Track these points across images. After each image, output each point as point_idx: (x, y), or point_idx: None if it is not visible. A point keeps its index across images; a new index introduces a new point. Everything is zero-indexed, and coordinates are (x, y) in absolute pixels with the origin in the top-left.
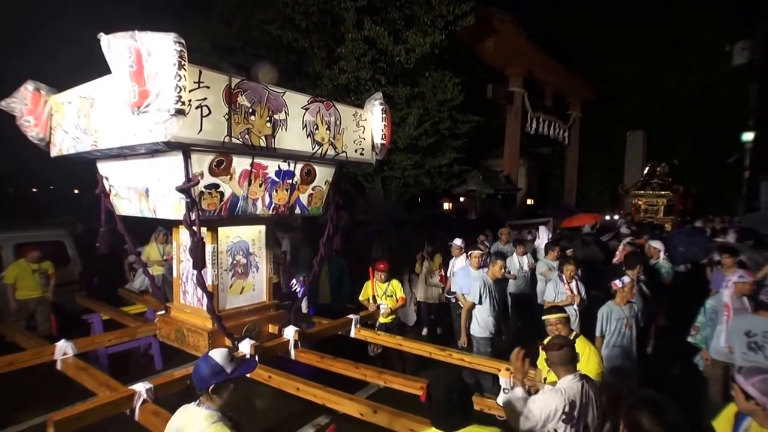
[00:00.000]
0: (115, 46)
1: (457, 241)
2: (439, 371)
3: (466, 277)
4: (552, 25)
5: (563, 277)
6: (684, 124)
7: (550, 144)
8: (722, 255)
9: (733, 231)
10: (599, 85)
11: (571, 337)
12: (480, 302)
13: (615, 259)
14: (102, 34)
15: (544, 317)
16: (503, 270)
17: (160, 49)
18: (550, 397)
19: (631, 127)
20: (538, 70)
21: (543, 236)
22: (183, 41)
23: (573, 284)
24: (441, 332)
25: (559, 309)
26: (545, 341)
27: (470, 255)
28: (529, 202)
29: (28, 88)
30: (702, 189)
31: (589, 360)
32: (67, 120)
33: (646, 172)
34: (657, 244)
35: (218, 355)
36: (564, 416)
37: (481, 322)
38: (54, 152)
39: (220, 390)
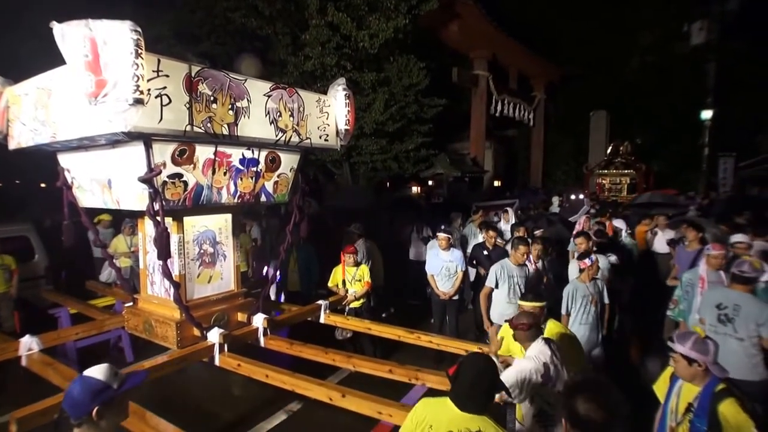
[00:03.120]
0: (69, 35)
1: (442, 234)
2: (475, 354)
3: (434, 257)
4: (515, 8)
5: (530, 257)
6: (645, 104)
7: (516, 126)
8: (686, 230)
9: (693, 208)
10: (563, 66)
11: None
12: (496, 287)
13: (575, 232)
14: (54, 23)
15: (519, 302)
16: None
17: (116, 37)
18: (524, 364)
19: (595, 108)
20: (503, 53)
21: (510, 216)
22: (139, 29)
23: (540, 264)
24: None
25: (536, 295)
26: (512, 318)
27: (438, 237)
28: (496, 183)
29: None
30: (663, 167)
31: (570, 349)
32: (24, 112)
33: (609, 151)
34: (618, 223)
35: (98, 372)
36: (541, 378)
37: (499, 308)
38: (12, 145)
39: (106, 411)
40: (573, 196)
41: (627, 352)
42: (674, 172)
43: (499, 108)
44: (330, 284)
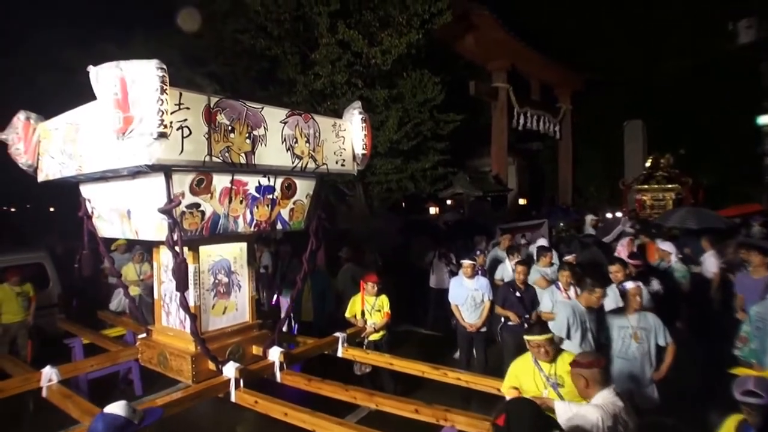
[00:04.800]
0: (102, 76)
1: (467, 261)
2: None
3: (459, 286)
4: (532, 14)
5: (560, 284)
6: (687, 110)
7: (540, 139)
8: (749, 254)
9: (756, 224)
10: (588, 73)
11: (558, 355)
12: (568, 336)
13: (616, 254)
14: (91, 66)
15: (525, 337)
16: (601, 299)
17: (144, 75)
18: (589, 412)
19: (628, 117)
20: (522, 63)
21: (541, 241)
22: (164, 66)
23: (571, 292)
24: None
25: (542, 327)
26: (575, 358)
27: (462, 264)
28: (521, 202)
29: (20, 117)
30: (713, 180)
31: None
32: (53, 146)
33: (648, 164)
34: (666, 246)
35: (118, 408)
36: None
37: None
38: (41, 177)
39: None
40: (609, 215)
41: (683, 394)
42: (727, 186)
43: (521, 121)
44: (347, 315)
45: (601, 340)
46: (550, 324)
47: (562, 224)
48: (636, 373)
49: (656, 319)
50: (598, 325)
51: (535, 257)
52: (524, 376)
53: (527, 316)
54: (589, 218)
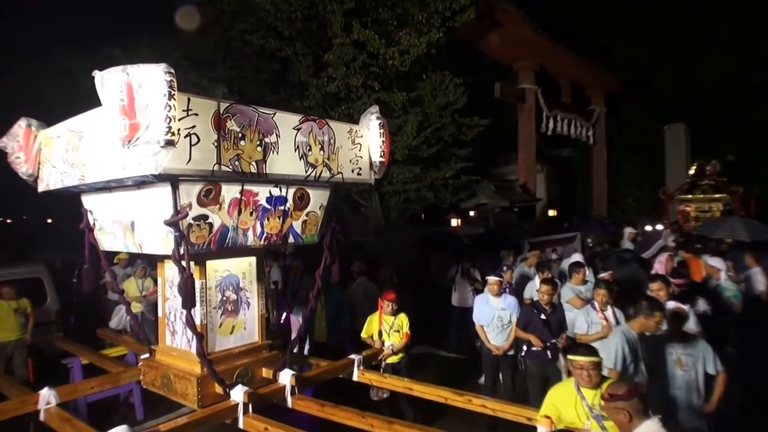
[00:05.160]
0: (108, 82)
1: (493, 278)
2: None
3: (484, 305)
4: (562, 10)
5: (596, 304)
6: (736, 112)
7: (571, 145)
8: None
9: None
10: (623, 73)
11: (603, 382)
12: (624, 368)
13: (653, 272)
14: (96, 71)
15: (569, 356)
16: (660, 323)
17: (151, 80)
18: None
19: (669, 120)
20: (551, 63)
21: (575, 256)
22: (172, 71)
23: (608, 312)
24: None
25: (589, 349)
26: (608, 390)
27: (488, 282)
28: (551, 213)
29: (21, 125)
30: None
31: None
32: (55, 154)
33: (692, 172)
34: (715, 262)
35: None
36: None
37: None
38: (41, 187)
39: None
40: (649, 227)
41: (736, 427)
42: None
43: (551, 125)
44: (363, 335)
45: (617, 367)
46: (485, 322)
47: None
48: (682, 404)
49: (704, 344)
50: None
51: (567, 274)
52: (564, 405)
53: (553, 341)
54: (628, 231)
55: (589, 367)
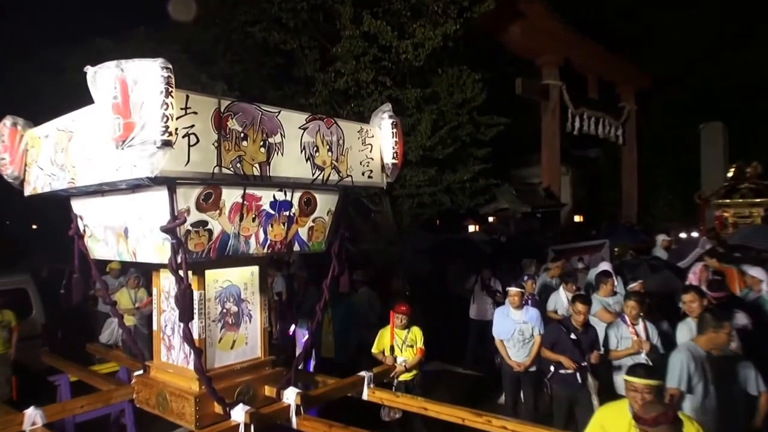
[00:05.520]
0: (100, 78)
1: (514, 289)
2: None
3: (504, 318)
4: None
5: (626, 317)
6: None
7: (599, 145)
8: None
9: None
10: (656, 67)
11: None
12: (689, 390)
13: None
14: (88, 67)
15: (625, 377)
16: (731, 337)
17: (147, 76)
18: None
19: (705, 119)
20: (577, 56)
21: (602, 265)
22: (170, 66)
23: (640, 326)
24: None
25: (649, 371)
26: (638, 410)
27: (508, 293)
28: (577, 219)
29: (6, 123)
30: None
31: None
32: (42, 155)
33: (730, 174)
34: (756, 272)
35: None
36: None
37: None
38: (28, 191)
39: None
40: (683, 234)
41: None
42: None
43: (576, 124)
44: (374, 351)
45: (681, 387)
46: (505, 337)
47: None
48: (720, 428)
49: (745, 362)
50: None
51: (594, 285)
52: (615, 428)
53: (584, 363)
54: (660, 239)
55: (644, 390)
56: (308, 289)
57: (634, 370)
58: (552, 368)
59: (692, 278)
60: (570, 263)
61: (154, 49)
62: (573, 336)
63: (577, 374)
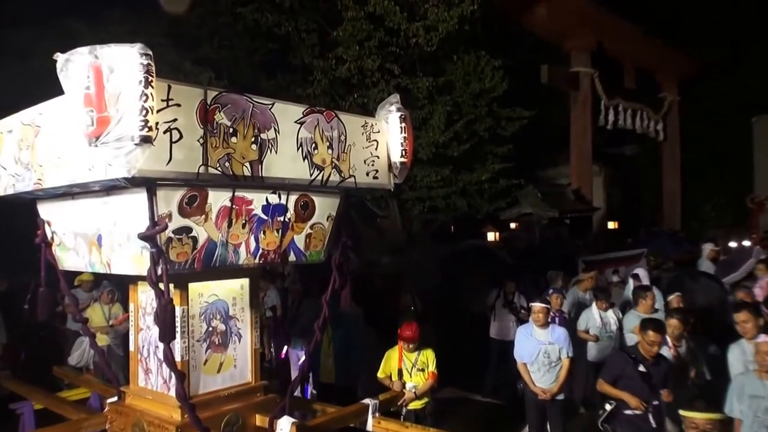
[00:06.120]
0: (72, 66)
1: (538, 304)
2: None
3: (526, 338)
4: None
5: (668, 338)
6: None
7: (636, 141)
8: None
9: None
10: (702, 53)
11: None
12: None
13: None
14: (58, 54)
15: (683, 412)
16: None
17: (124, 64)
18: None
19: (758, 111)
20: (612, 41)
21: (643, 277)
22: (150, 52)
23: (683, 348)
24: None
25: (709, 402)
26: None
27: (532, 309)
28: (611, 225)
29: None
30: None
31: None
32: (5, 153)
33: None
34: None
35: None
36: None
37: None
38: None
39: None
40: (733, 243)
41: None
42: None
43: (610, 117)
44: (380, 375)
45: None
46: (527, 359)
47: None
48: None
49: None
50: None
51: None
52: None
53: (656, 402)
54: (707, 248)
55: (706, 425)
56: (302, 302)
57: (691, 403)
58: (608, 406)
59: (759, 293)
60: (604, 276)
61: (133, 33)
62: (642, 368)
63: (650, 416)
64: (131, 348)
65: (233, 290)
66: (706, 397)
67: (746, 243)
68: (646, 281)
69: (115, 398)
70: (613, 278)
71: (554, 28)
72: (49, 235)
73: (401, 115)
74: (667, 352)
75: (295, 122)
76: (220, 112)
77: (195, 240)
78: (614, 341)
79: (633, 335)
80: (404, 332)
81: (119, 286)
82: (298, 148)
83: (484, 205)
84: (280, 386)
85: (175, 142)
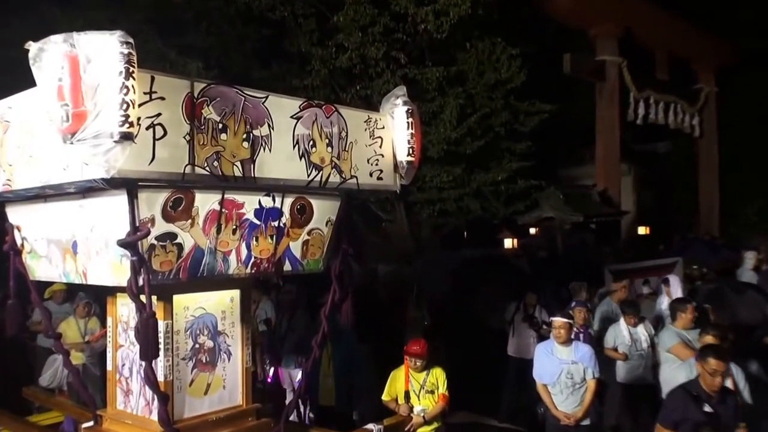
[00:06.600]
0: (45, 56)
1: (559, 319)
2: None
3: (546, 356)
4: None
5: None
6: None
7: (670, 137)
8: None
9: None
10: (742, 39)
11: None
12: None
13: None
14: (30, 43)
15: None
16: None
17: (103, 53)
18: None
19: None
20: (642, 27)
21: (675, 289)
22: (131, 41)
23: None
24: None
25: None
26: None
27: (552, 324)
28: (641, 231)
29: None
30: None
31: None
32: None
33: None
34: None
35: None
36: None
37: None
38: None
39: None
40: None
41: None
42: None
43: (640, 111)
44: (385, 398)
45: None
46: (548, 381)
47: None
48: None
49: None
50: None
51: (666, 314)
52: None
53: None
54: (749, 256)
55: None
56: (296, 314)
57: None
58: None
59: None
60: (633, 288)
61: (113, 20)
62: (707, 408)
63: None
64: (109, 367)
65: (222, 303)
66: (748, 423)
67: None
68: (677, 290)
69: (91, 423)
70: (644, 290)
71: (578, 12)
72: (18, 242)
73: (408, 109)
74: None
75: (291, 117)
76: (208, 106)
77: (180, 247)
78: (645, 360)
79: (669, 355)
80: (411, 348)
81: (96, 299)
82: (294, 146)
83: (501, 208)
84: (274, 409)
85: (159, 139)
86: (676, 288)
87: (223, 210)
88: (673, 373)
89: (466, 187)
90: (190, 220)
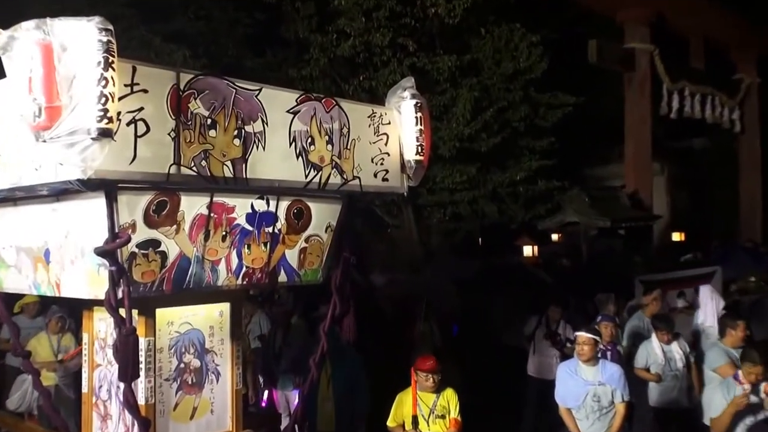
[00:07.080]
0: (16, 44)
1: (584, 334)
2: None
3: (570, 377)
4: None
5: (740, 375)
6: None
7: (707, 133)
8: None
9: None
10: None
11: None
12: None
13: None
14: (0, 29)
15: None
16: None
17: (79, 41)
18: None
19: None
20: (675, 10)
21: (706, 304)
22: (111, 27)
23: (761, 388)
24: None
25: None
26: None
27: (576, 340)
28: (675, 237)
29: None
30: None
31: None
32: None
33: None
34: None
35: None
36: None
37: None
38: None
39: None
40: None
41: None
42: None
43: (674, 104)
44: (390, 423)
45: None
46: (572, 404)
47: (751, 278)
48: None
49: None
50: None
51: (719, 331)
52: None
53: None
54: None
55: None
56: (288, 330)
57: None
58: None
59: None
60: (666, 300)
61: (91, 5)
62: None
63: None
64: (84, 389)
65: (210, 318)
66: None
67: None
68: (707, 303)
69: None
70: (678, 303)
71: None
72: None
73: (417, 102)
74: (738, 389)
75: (287, 112)
76: (195, 99)
77: (164, 256)
78: (680, 381)
79: (714, 374)
80: (424, 364)
81: (71, 313)
82: (290, 144)
83: (519, 212)
84: None
85: (141, 136)
86: (706, 301)
87: (212, 214)
88: (712, 394)
89: (481, 189)
90: (175, 226)
